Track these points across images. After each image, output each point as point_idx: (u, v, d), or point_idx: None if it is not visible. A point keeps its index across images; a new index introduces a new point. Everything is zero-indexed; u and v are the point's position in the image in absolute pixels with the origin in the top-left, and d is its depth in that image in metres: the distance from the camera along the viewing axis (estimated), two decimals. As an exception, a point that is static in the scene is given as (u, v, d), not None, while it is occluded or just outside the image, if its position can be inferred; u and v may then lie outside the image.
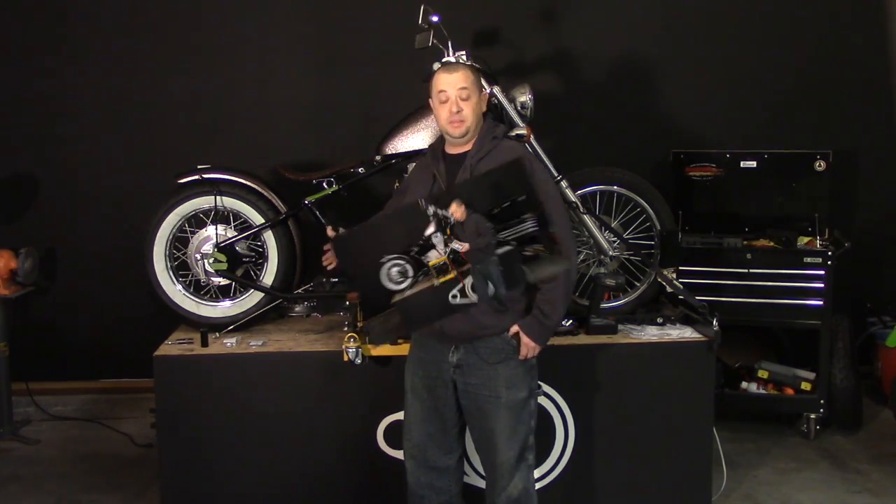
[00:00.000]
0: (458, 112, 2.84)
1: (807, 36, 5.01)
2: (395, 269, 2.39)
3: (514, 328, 2.87)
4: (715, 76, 5.01)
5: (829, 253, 4.34)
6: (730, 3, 4.99)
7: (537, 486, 3.46)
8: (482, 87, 2.98)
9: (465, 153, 2.90)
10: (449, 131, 2.90)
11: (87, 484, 4.03)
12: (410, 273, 2.38)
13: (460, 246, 2.39)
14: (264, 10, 4.87)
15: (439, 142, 3.02)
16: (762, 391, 4.51)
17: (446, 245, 2.39)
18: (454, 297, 2.37)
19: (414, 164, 3.36)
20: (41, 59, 4.85)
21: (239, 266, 3.78)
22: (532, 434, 2.95)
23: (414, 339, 3.06)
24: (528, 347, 2.87)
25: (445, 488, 3.03)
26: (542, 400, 3.40)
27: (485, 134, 2.91)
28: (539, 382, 3.01)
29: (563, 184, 3.72)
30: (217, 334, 3.66)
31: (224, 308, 3.81)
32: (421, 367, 2.99)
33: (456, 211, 2.40)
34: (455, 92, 2.84)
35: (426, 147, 3.68)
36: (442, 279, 2.38)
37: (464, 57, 3.72)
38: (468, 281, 2.35)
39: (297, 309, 4.03)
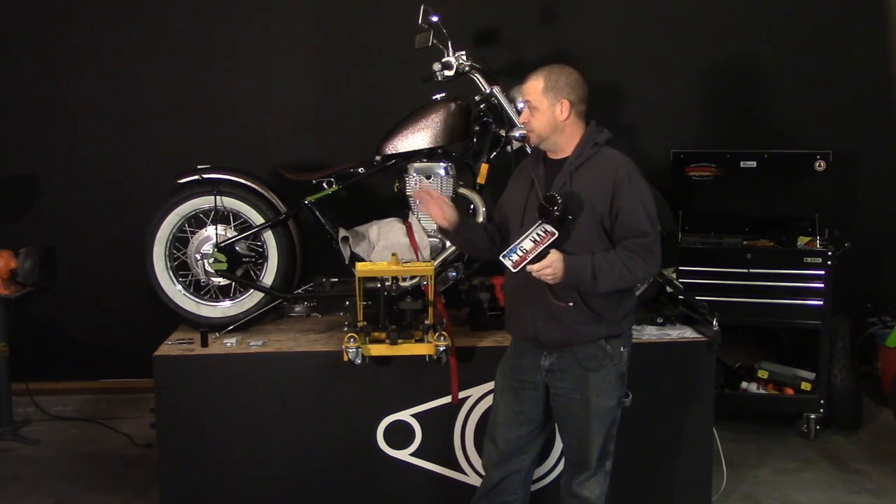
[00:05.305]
0: (524, 125, 2.86)
1: (807, 36, 5.01)
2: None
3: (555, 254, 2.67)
4: (715, 76, 5.01)
5: (829, 253, 4.33)
6: (730, 4, 4.99)
7: (538, 486, 3.48)
8: (559, 93, 2.79)
9: (565, 159, 2.86)
10: None
11: (87, 484, 4.03)
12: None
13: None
14: (264, 9, 4.87)
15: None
16: (762, 391, 4.51)
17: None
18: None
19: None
20: (41, 60, 4.85)
21: (239, 266, 3.77)
22: (613, 441, 2.96)
23: (511, 343, 3.09)
24: (552, 262, 2.64)
25: (513, 489, 3.06)
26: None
27: (586, 140, 2.85)
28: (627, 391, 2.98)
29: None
30: (217, 334, 3.66)
31: (224, 308, 3.80)
32: (512, 370, 3.02)
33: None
34: (524, 104, 2.84)
35: (426, 147, 3.70)
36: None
37: (464, 57, 3.73)
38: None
39: (297, 309, 4.02)
